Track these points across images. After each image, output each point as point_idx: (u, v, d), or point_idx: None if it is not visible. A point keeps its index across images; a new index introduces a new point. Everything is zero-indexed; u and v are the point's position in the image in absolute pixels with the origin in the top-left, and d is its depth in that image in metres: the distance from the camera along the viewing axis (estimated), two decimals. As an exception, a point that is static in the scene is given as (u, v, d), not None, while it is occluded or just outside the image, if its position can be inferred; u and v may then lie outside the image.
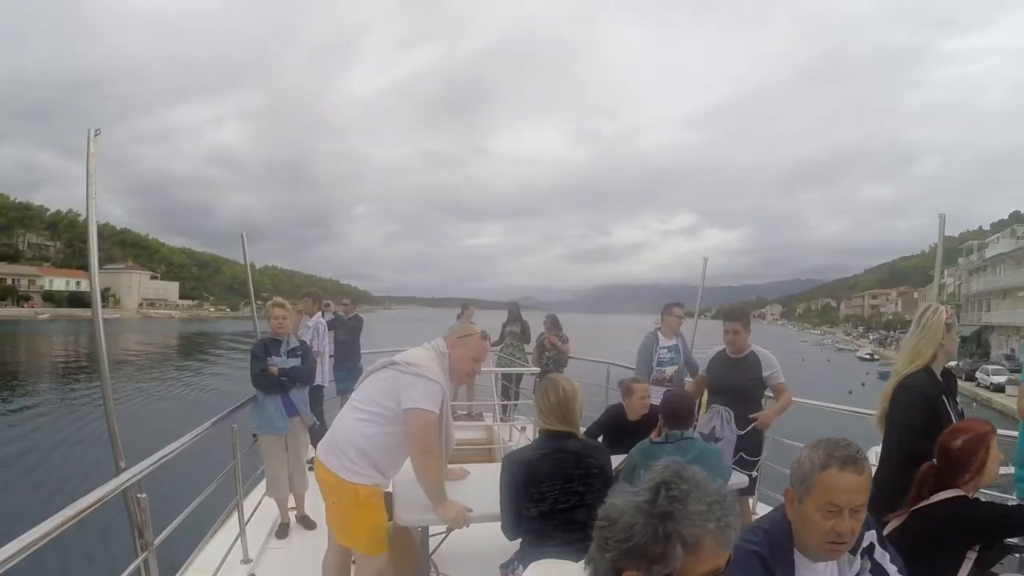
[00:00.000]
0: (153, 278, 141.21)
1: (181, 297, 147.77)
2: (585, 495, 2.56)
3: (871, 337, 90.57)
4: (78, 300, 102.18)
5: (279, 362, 4.58)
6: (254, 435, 4.62)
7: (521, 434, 6.89)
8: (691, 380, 5.72)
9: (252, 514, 4.43)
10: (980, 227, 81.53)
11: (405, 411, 2.74)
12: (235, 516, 4.09)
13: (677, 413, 3.00)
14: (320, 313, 6.89)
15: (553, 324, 8.81)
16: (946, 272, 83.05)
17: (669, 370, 5.51)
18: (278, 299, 4.80)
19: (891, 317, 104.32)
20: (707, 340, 6.72)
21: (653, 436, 3.58)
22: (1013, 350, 47.36)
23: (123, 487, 2.56)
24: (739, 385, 4.04)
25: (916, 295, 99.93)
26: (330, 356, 7.24)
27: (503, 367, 9.12)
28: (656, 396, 5.19)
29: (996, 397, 34.10)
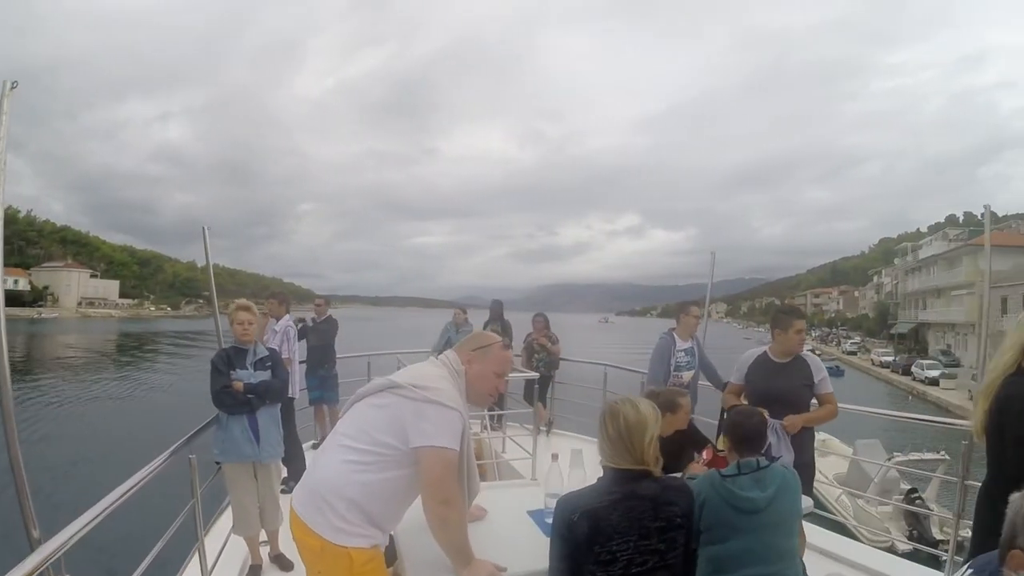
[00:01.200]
0: (93, 276, 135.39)
1: (121, 296, 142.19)
2: (667, 553, 2.02)
3: (813, 334, 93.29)
4: (14, 299, 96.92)
5: (244, 376, 3.93)
6: (217, 463, 3.95)
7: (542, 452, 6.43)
8: (707, 384, 5.32)
9: (217, 558, 3.74)
10: (918, 229, 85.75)
11: (415, 450, 2.10)
12: (196, 561, 3.42)
13: (749, 435, 2.42)
14: (288, 315, 6.24)
15: (544, 324, 8.31)
16: (884, 272, 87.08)
17: (686, 375, 5.08)
18: (243, 300, 4.13)
19: (833, 315, 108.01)
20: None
21: (703, 459, 3.09)
22: (949, 346, 49.55)
23: (38, 572, 1.85)
24: (788, 393, 3.54)
25: (856, 294, 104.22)
26: (301, 362, 6.67)
27: None
28: None
29: (931, 390, 35.81)
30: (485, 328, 8.56)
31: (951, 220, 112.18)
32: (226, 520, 4.23)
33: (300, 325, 7.02)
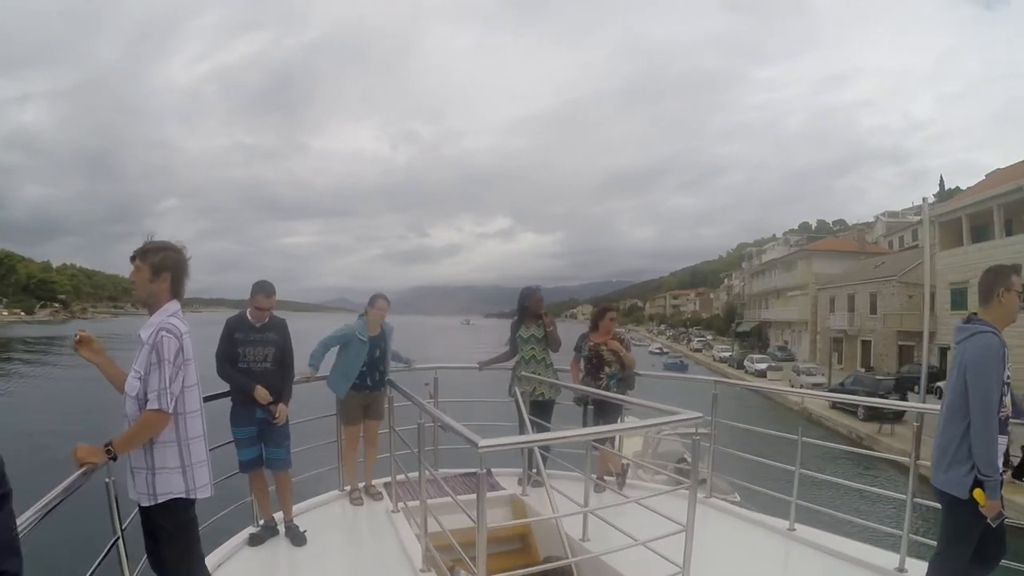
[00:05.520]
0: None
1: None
2: None
3: (668, 334, 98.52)
4: None
5: None
6: None
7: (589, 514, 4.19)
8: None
9: None
10: (774, 235, 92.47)
11: None
12: None
13: None
14: (174, 303, 2.91)
15: (612, 321, 5.88)
16: (734, 275, 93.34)
17: (1008, 401, 3.06)
18: None
19: (689, 316, 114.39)
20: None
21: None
22: (786, 342, 53.73)
23: None
24: None
25: (712, 295, 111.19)
26: (223, 395, 4.21)
27: (530, 395, 5.66)
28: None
29: (758, 382, 39.10)
30: (517, 330, 5.89)
31: (804, 227, 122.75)
32: None
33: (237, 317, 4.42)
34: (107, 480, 2.68)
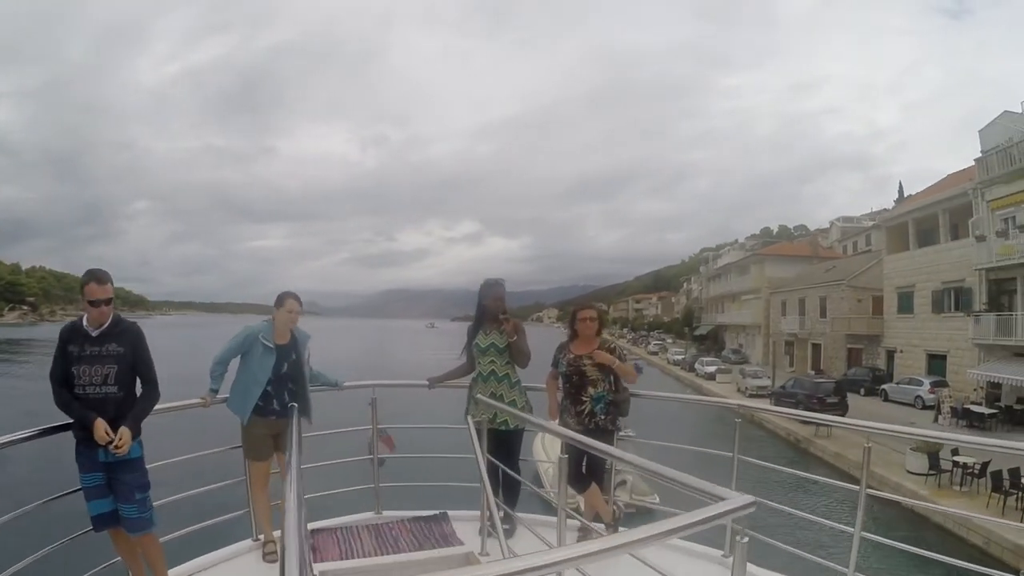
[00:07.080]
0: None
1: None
2: None
3: (629, 337, 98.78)
4: None
5: None
6: None
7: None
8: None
9: None
10: (736, 240, 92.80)
11: None
12: None
13: None
14: None
15: (598, 322, 4.48)
16: (693, 279, 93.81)
17: None
18: None
19: (651, 319, 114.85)
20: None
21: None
22: (741, 345, 53.84)
23: None
24: None
25: (673, 299, 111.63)
26: (56, 429, 3.30)
27: (488, 423, 4.22)
28: None
29: (707, 384, 39.93)
30: (474, 337, 4.57)
31: (765, 232, 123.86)
32: None
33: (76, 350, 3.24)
34: None
